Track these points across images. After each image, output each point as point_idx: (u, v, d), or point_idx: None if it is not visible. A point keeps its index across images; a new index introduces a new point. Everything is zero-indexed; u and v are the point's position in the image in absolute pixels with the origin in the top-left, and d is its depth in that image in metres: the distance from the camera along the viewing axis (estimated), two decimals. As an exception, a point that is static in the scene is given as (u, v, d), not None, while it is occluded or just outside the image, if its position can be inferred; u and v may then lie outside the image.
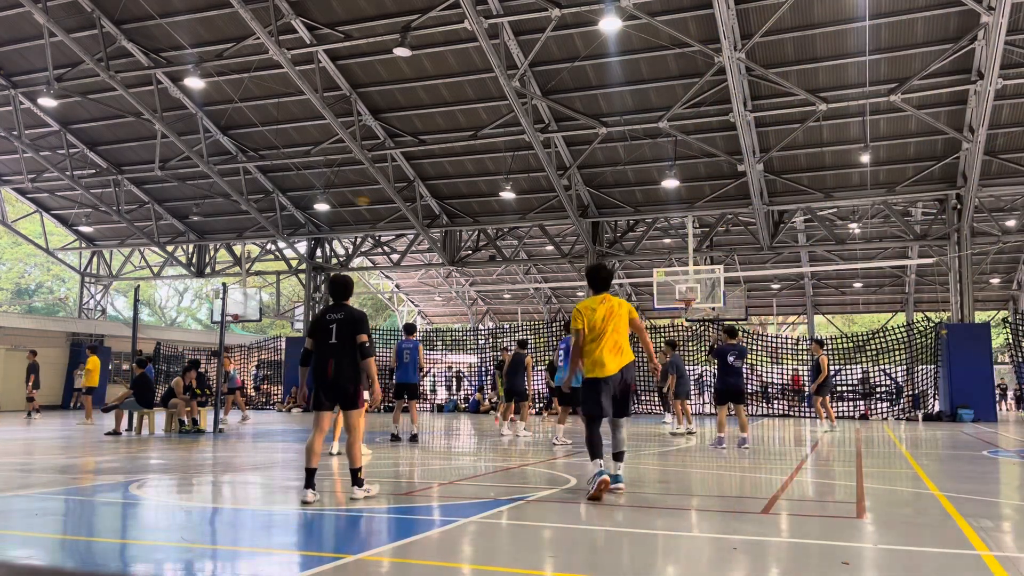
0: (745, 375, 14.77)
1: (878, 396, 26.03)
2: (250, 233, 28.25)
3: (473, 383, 30.04)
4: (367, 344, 6.55)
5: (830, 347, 25.84)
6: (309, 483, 6.32)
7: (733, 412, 12.05)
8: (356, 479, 6.53)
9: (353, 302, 7.07)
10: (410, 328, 13.82)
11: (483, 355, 30.04)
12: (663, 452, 11.05)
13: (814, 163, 21.58)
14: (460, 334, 30.38)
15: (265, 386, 30.29)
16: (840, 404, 25.97)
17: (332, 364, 6.44)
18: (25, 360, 21.78)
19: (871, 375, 26.66)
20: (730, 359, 11.85)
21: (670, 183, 21.68)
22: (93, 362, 18.89)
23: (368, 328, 6.68)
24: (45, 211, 29.53)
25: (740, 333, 14.02)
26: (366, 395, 6.93)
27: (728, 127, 19.76)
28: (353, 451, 6.54)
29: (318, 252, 28.72)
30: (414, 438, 12.63)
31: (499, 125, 20.99)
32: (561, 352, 12.54)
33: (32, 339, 25.67)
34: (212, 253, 30.17)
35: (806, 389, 27.22)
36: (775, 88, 18.50)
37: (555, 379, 13.14)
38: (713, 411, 25.66)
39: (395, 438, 12.74)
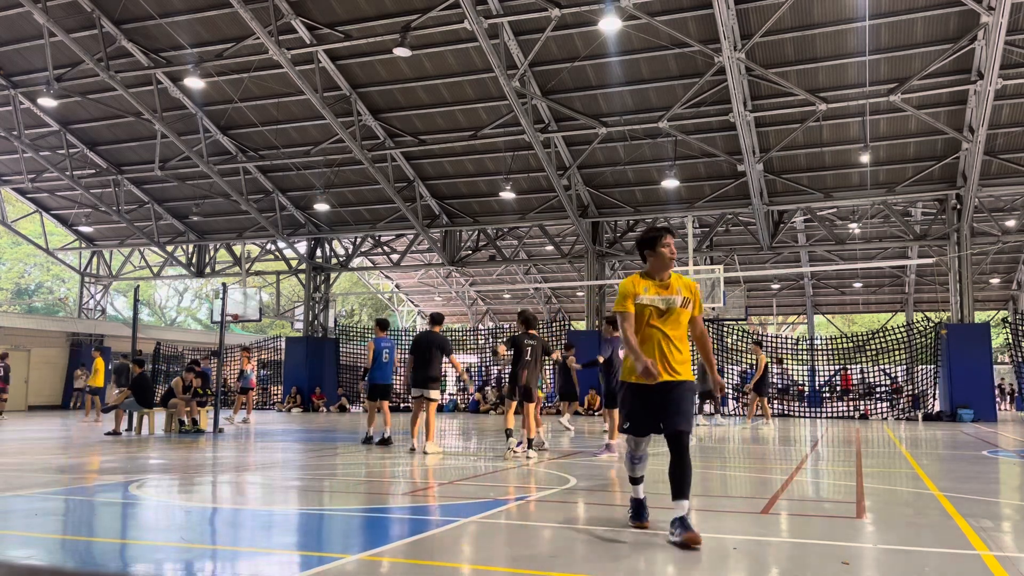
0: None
1: (878, 396, 26.05)
2: (250, 233, 28.25)
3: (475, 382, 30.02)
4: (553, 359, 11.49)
5: (830, 347, 25.89)
6: (530, 445, 9.97)
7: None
8: (530, 444, 9.91)
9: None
10: (384, 324, 12.66)
11: (483, 355, 30.04)
12: (661, 453, 11.03)
13: (814, 163, 21.58)
14: (460, 334, 30.37)
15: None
16: (840, 404, 26.00)
17: (526, 374, 10.00)
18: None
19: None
20: (622, 354, 10.48)
21: (670, 183, 21.68)
22: (100, 363, 19.01)
23: (551, 349, 10.64)
24: (45, 211, 29.52)
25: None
26: (435, 394, 11.04)
27: (728, 127, 19.75)
28: (531, 424, 10.02)
29: (318, 252, 28.72)
30: (386, 441, 11.83)
31: (499, 125, 20.99)
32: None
33: (32, 339, 25.69)
34: (212, 253, 30.16)
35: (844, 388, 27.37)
36: (775, 88, 18.49)
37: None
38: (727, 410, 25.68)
39: (368, 440, 12.11)
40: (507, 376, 14.52)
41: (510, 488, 7.24)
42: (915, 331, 23.82)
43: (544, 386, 17.44)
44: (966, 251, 21.33)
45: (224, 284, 19.07)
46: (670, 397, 4.93)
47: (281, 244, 29.06)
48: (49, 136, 24.82)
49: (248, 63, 19.79)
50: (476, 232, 26.83)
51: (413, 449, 10.69)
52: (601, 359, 10.84)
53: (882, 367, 26.01)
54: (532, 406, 10.05)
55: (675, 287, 5.02)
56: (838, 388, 27.44)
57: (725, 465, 9.63)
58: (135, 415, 14.79)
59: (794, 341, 27.99)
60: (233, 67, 20.18)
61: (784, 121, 19.84)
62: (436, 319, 11.31)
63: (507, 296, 41.56)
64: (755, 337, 23.96)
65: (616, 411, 10.24)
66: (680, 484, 4.86)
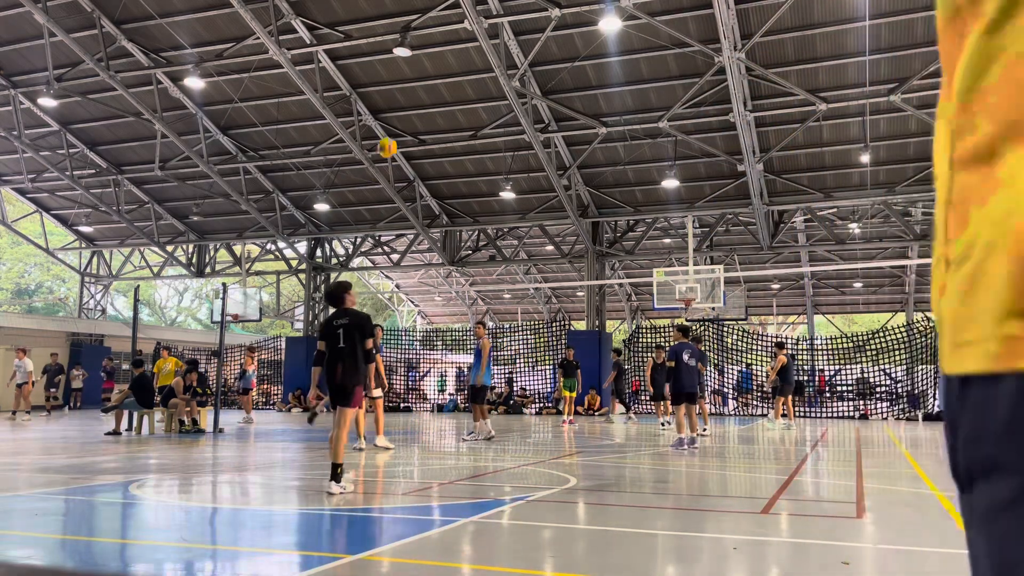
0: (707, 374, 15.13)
1: (878, 396, 26.06)
2: (250, 233, 28.25)
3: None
4: (372, 350, 7.10)
5: (830, 347, 25.90)
6: (334, 476, 6.62)
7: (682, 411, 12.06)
8: (335, 474, 6.65)
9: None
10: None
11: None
12: (662, 452, 11.05)
13: (814, 163, 21.58)
14: (460, 334, 30.39)
15: (265, 386, 30.29)
16: (840, 404, 26.01)
17: (340, 367, 6.87)
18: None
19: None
20: (685, 357, 11.82)
21: (670, 183, 21.68)
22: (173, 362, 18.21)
23: (373, 331, 7.15)
24: (45, 211, 29.53)
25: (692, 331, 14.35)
26: (377, 392, 8.57)
27: (728, 127, 19.75)
28: (338, 447, 6.74)
29: (318, 252, 28.72)
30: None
31: (499, 125, 20.99)
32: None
33: (32, 339, 25.65)
34: (212, 253, 30.17)
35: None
36: (775, 88, 18.49)
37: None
38: (729, 411, 25.73)
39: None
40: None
41: (510, 488, 7.23)
42: (915, 331, 23.82)
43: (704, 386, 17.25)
44: (966, 251, 21.30)
45: (224, 284, 19.06)
46: None
47: (281, 244, 29.07)
48: (49, 136, 24.82)
49: (248, 63, 19.79)
50: (476, 232, 26.83)
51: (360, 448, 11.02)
52: (671, 364, 12.06)
53: (882, 367, 26.02)
54: (352, 412, 7.04)
55: None
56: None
57: (725, 465, 9.63)
58: (135, 415, 14.79)
59: (793, 341, 27.99)
60: (233, 67, 20.18)
61: (784, 121, 19.84)
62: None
63: (507, 296, 41.56)
64: (778, 339, 24.03)
65: (683, 406, 11.68)
66: None
